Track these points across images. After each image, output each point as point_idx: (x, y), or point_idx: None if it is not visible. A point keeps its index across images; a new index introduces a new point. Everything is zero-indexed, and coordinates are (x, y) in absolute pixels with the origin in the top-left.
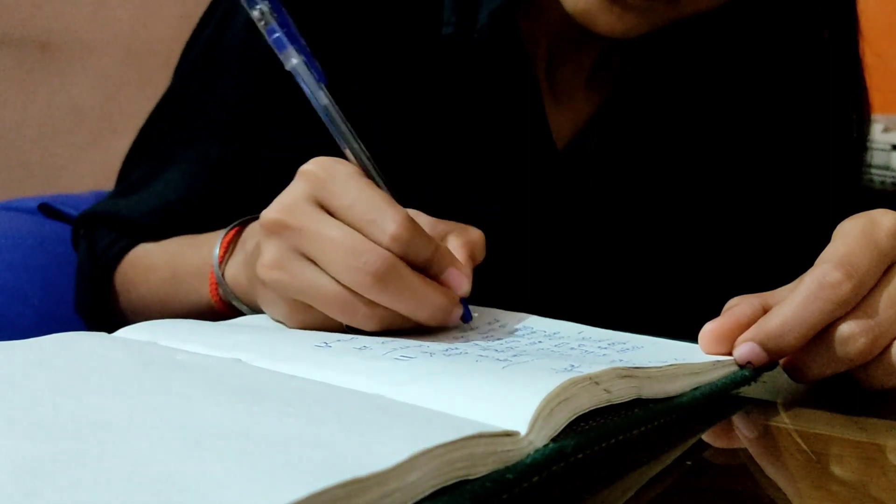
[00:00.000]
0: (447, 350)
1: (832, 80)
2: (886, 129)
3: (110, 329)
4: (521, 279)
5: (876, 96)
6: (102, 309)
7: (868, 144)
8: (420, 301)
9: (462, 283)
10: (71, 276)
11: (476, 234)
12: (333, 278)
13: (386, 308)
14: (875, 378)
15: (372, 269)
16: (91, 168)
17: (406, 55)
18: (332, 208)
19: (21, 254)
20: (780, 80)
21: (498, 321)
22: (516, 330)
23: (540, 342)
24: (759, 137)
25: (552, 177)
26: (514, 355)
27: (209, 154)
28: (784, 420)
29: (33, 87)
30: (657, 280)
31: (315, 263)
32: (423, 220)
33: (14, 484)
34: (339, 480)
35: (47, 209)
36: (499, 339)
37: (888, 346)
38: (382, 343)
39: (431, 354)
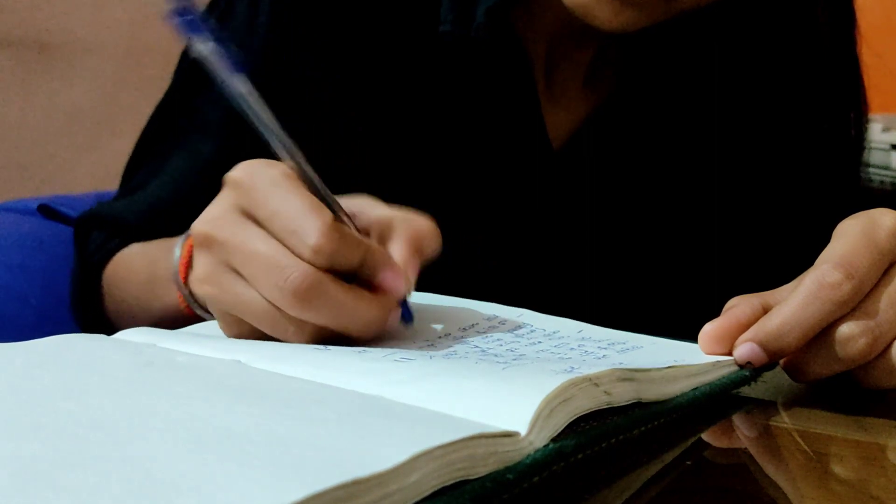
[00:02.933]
0: (447, 353)
1: (830, 77)
2: (886, 129)
3: (104, 330)
4: (517, 280)
5: (875, 96)
6: (93, 310)
7: (866, 142)
8: (348, 316)
9: (398, 285)
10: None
11: (423, 225)
12: (260, 294)
13: (315, 323)
14: (875, 378)
15: (292, 287)
16: (90, 169)
17: (402, 53)
18: (258, 218)
19: (21, 255)
20: (778, 78)
21: (497, 317)
22: (516, 329)
23: (540, 342)
24: (758, 136)
25: (548, 177)
26: (514, 357)
27: (201, 154)
28: (784, 420)
29: (32, 88)
30: (656, 280)
31: (243, 278)
32: (367, 206)
33: (14, 485)
34: (340, 481)
35: (47, 210)
36: (498, 339)
37: (888, 347)
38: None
39: (431, 356)
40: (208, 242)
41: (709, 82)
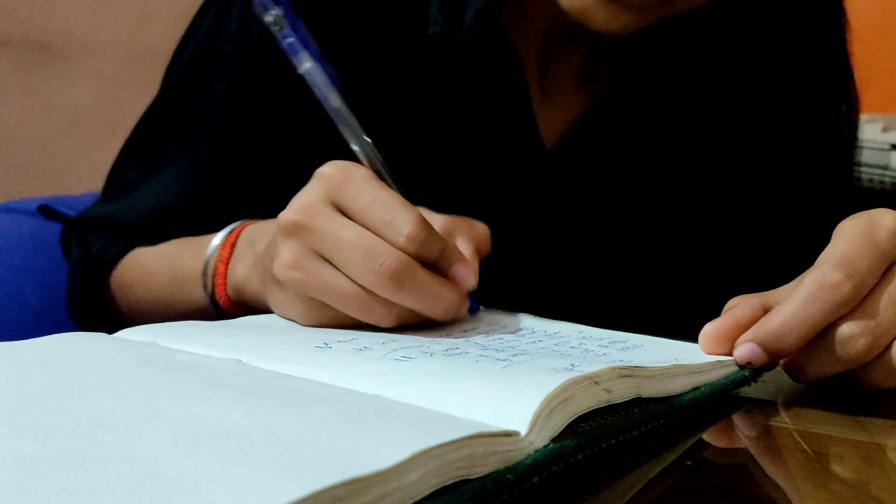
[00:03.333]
0: (447, 350)
1: (822, 74)
2: (886, 129)
3: (105, 330)
4: (514, 280)
5: (875, 96)
6: (96, 312)
7: (859, 140)
8: (433, 299)
9: (469, 278)
10: None
11: (482, 229)
12: (351, 278)
13: (401, 305)
14: (875, 378)
15: (388, 271)
16: (91, 170)
17: (392, 55)
18: (348, 210)
19: (21, 255)
20: (770, 76)
21: (499, 322)
22: (517, 330)
23: (540, 341)
24: (752, 136)
25: (541, 177)
26: (514, 354)
27: (201, 155)
28: (784, 420)
29: (33, 89)
30: (655, 280)
31: (332, 264)
32: (431, 217)
33: (14, 485)
34: (340, 480)
35: (47, 211)
36: (499, 338)
37: (888, 347)
38: (382, 344)
39: (431, 355)
40: (298, 230)
41: (702, 81)
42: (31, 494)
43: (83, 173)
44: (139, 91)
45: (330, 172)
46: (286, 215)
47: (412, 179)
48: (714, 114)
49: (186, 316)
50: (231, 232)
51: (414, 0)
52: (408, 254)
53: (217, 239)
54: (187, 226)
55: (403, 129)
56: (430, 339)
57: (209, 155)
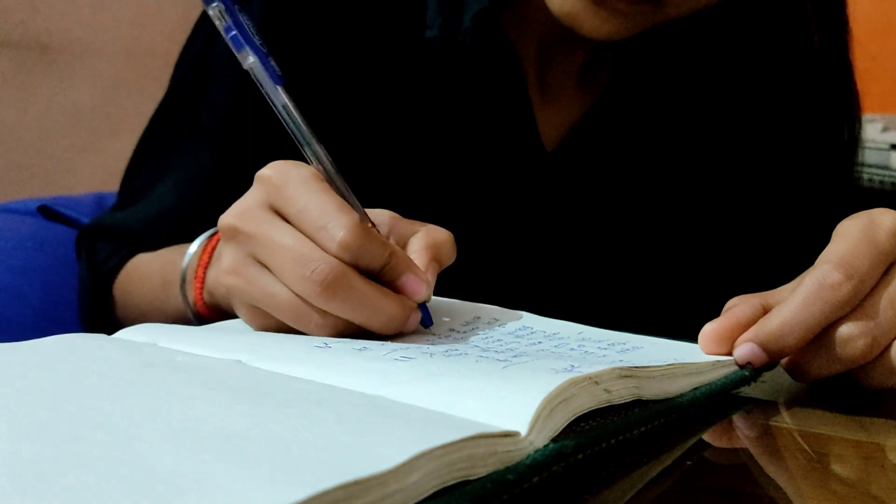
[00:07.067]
0: (447, 351)
1: (822, 80)
2: (885, 129)
3: (110, 333)
4: (513, 282)
5: (874, 96)
6: (104, 319)
7: (860, 144)
8: (371, 310)
9: (419, 289)
10: (71, 279)
11: (442, 235)
12: (286, 285)
13: (338, 316)
14: (875, 378)
15: (319, 279)
16: (90, 170)
17: (391, 58)
18: (286, 214)
19: (21, 256)
20: (771, 80)
21: (497, 320)
22: (516, 330)
23: (540, 342)
24: (752, 137)
25: (541, 178)
26: (514, 356)
27: (201, 162)
28: (784, 420)
29: (33, 89)
30: (655, 281)
31: (269, 270)
32: (388, 219)
33: (14, 486)
34: (340, 481)
35: (47, 211)
36: (498, 339)
37: (888, 347)
38: (382, 344)
39: (431, 355)
40: (235, 234)
41: (702, 83)
42: (31, 495)
43: (83, 173)
44: (139, 91)
45: (269, 175)
46: (225, 219)
47: (409, 182)
48: (714, 115)
49: (177, 320)
50: (213, 236)
51: (411, 3)
52: (342, 261)
53: (196, 244)
54: (189, 231)
55: (402, 133)
56: (430, 339)
57: (209, 160)
